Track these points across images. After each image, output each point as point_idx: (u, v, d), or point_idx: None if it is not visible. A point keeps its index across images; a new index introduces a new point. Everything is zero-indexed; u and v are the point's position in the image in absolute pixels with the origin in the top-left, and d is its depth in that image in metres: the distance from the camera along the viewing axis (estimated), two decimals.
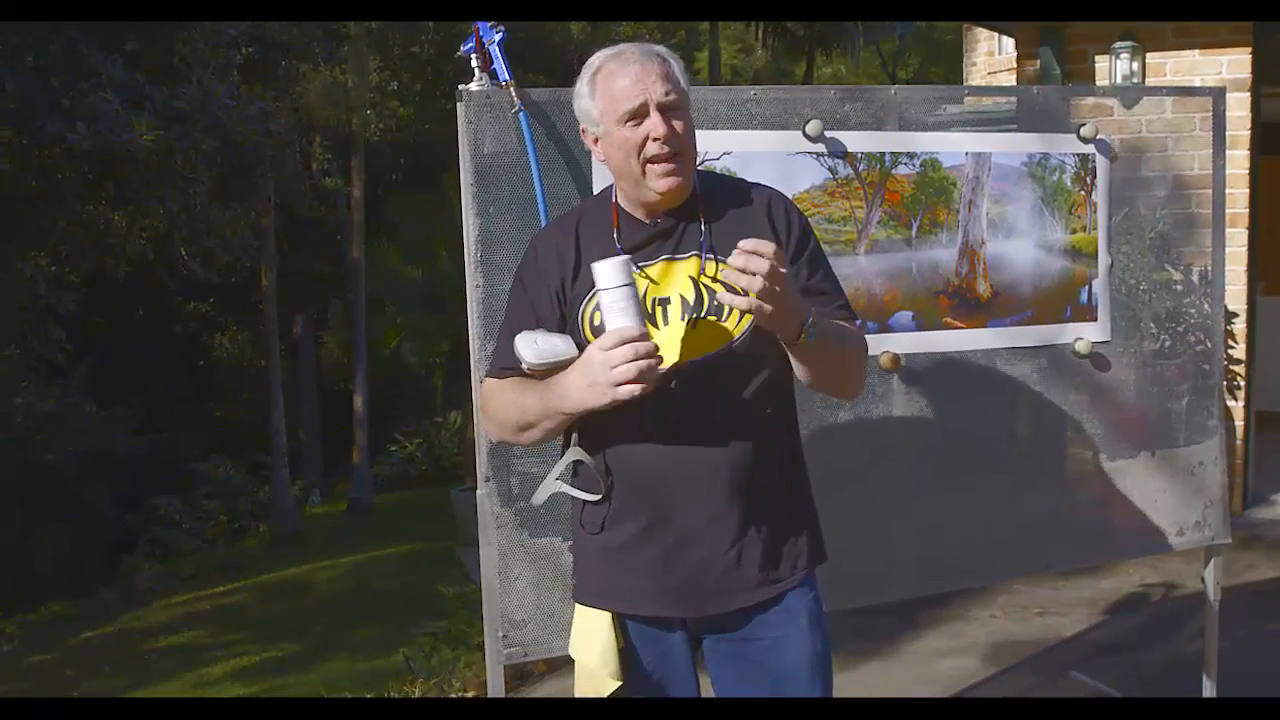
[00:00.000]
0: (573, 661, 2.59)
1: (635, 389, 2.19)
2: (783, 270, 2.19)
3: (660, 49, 2.44)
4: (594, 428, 2.44)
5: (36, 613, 14.32)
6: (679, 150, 2.37)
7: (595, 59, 2.45)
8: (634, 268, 2.24)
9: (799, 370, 2.43)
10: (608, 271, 2.20)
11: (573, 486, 2.52)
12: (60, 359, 12.30)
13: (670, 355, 2.36)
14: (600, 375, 2.21)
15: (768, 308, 2.20)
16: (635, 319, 2.20)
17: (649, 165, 2.37)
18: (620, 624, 2.52)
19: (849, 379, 2.59)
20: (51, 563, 15.88)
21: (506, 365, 2.48)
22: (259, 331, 20.67)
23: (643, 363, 2.18)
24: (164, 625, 12.91)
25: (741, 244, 2.19)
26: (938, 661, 5.13)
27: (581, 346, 2.36)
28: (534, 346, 2.36)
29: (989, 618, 5.60)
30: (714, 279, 2.40)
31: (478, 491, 3.17)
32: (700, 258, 2.42)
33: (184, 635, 12.25)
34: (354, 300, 19.08)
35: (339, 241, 20.84)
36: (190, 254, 11.98)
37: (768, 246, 2.18)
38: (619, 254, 2.40)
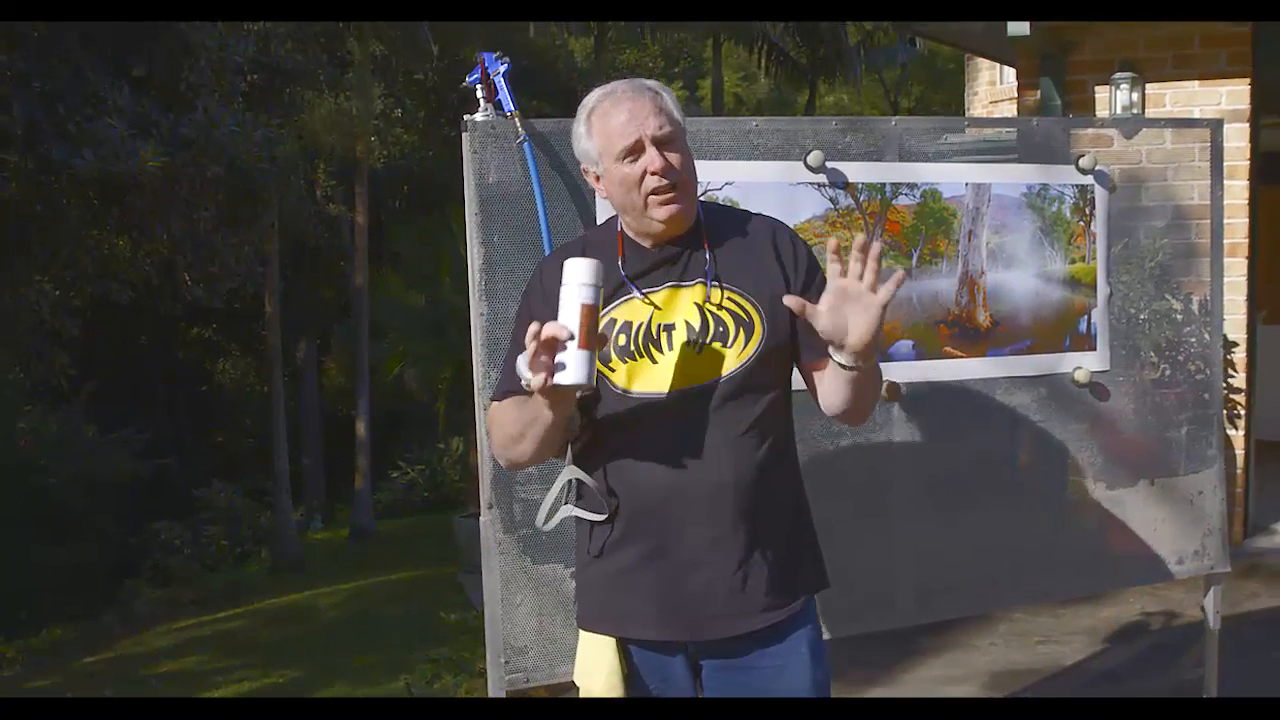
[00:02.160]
0: (575, 687, 2.60)
1: (535, 379, 2.23)
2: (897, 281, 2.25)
3: (652, 83, 2.49)
4: (596, 451, 2.47)
5: (37, 636, 14.31)
6: (677, 182, 2.41)
7: (589, 99, 2.49)
8: (598, 274, 2.27)
9: (835, 395, 2.44)
10: (571, 269, 2.26)
11: (579, 508, 2.54)
12: (63, 383, 12.33)
13: (672, 381, 2.40)
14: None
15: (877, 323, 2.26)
16: (570, 320, 2.24)
17: (650, 197, 2.41)
18: (624, 650, 2.53)
19: (870, 405, 2.61)
20: (52, 587, 15.86)
21: (509, 389, 2.51)
22: (262, 357, 20.72)
23: (547, 359, 2.21)
24: (165, 650, 12.90)
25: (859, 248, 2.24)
26: (938, 690, 5.13)
27: None
28: None
29: (989, 646, 5.60)
30: (719, 306, 2.44)
31: (481, 518, 3.19)
32: (705, 285, 2.46)
33: (184, 660, 12.23)
34: (357, 326, 19.11)
35: (342, 267, 20.90)
36: (194, 279, 12.03)
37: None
38: (623, 280, 2.46)
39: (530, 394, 2.38)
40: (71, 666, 12.67)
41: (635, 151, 2.40)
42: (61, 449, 17.33)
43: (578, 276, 2.24)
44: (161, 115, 9.42)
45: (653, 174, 2.39)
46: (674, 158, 2.41)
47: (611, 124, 2.42)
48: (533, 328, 2.21)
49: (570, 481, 2.54)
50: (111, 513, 17.75)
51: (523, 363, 2.38)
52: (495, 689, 3.20)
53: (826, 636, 2.63)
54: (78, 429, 17.97)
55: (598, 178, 2.50)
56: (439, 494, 19.62)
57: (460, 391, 15.04)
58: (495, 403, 2.57)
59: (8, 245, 9.93)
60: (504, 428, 2.49)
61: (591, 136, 2.45)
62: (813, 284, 2.51)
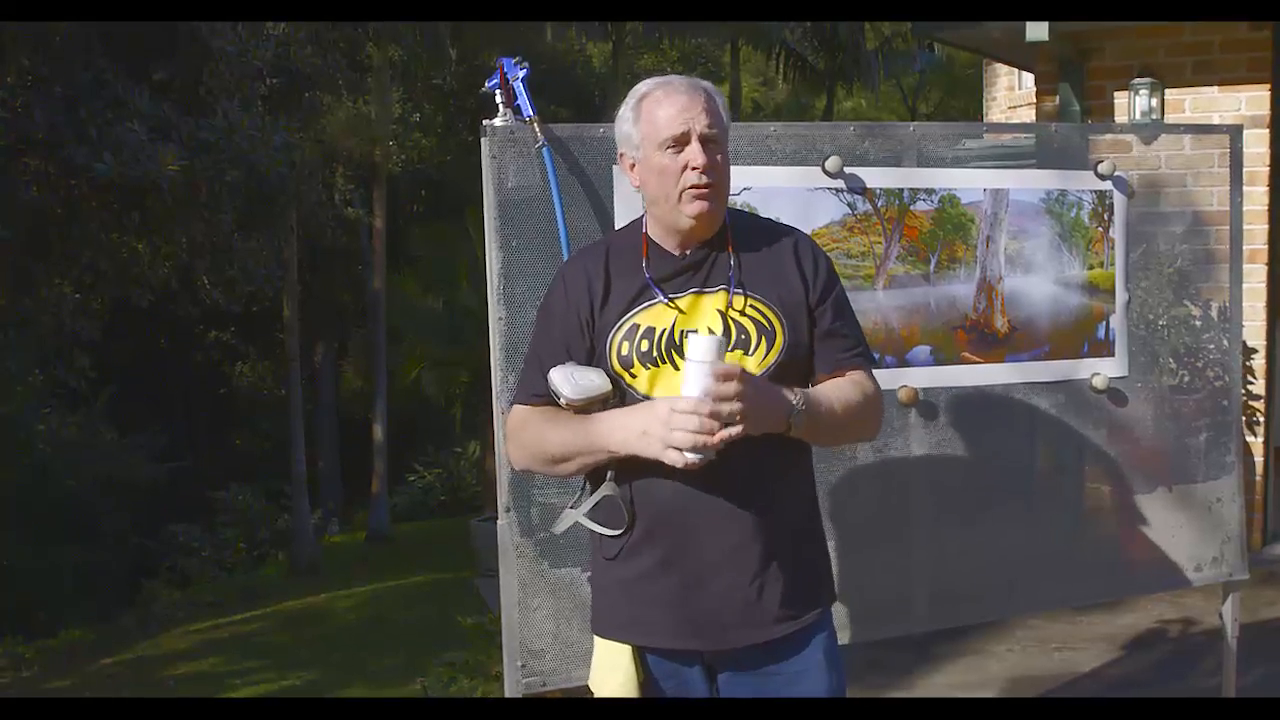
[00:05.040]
0: (590, 691, 2.61)
1: (683, 458, 2.26)
2: (750, 389, 2.28)
3: (706, 84, 2.50)
4: (620, 462, 2.46)
5: (55, 638, 14.36)
6: (715, 181, 2.42)
7: (643, 86, 2.50)
8: (724, 354, 2.30)
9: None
10: (703, 346, 2.27)
11: (594, 520, 2.54)
12: (83, 385, 12.38)
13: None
14: (658, 429, 2.28)
15: (752, 430, 2.30)
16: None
17: (686, 191, 2.41)
18: (640, 657, 2.53)
19: (859, 434, 2.69)
20: (71, 589, 15.94)
21: (537, 393, 2.51)
22: (279, 360, 20.76)
23: (701, 437, 2.24)
24: (182, 652, 12.95)
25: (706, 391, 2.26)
26: (954, 695, 5.12)
27: (611, 378, 2.41)
28: (571, 381, 2.41)
29: (1006, 652, 5.58)
30: (741, 312, 2.45)
31: (498, 522, 3.19)
32: (729, 292, 2.46)
33: (202, 662, 12.27)
34: (374, 330, 19.17)
35: (360, 271, 20.97)
36: (213, 283, 12.09)
37: (730, 375, 2.25)
38: (647, 283, 2.46)
39: (572, 411, 2.43)
40: (89, 668, 12.72)
41: (681, 143, 2.41)
42: (80, 451, 17.41)
43: (709, 355, 2.26)
44: (181, 119, 9.47)
45: (694, 169, 2.40)
46: (717, 158, 2.42)
47: (661, 113, 2.42)
48: (700, 406, 2.24)
49: (590, 490, 2.55)
50: (129, 515, 17.82)
51: (561, 381, 2.41)
52: (512, 692, 3.20)
53: (843, 641, 2.63)
54: (96, 431, 18.05)
55: (633, 165, 2.50)
56: (455, 498, 19.69)
57: (477, 395, 15.09)
58: (521, 407, 2.57)
59: (29, 248, 9.98)
60: (542, 445, 2.51)
61: (638, 122, 2.46)
62: (829, 299, 2.52)
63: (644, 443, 2.31)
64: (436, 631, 10.10)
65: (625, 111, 2.50)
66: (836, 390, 2.49)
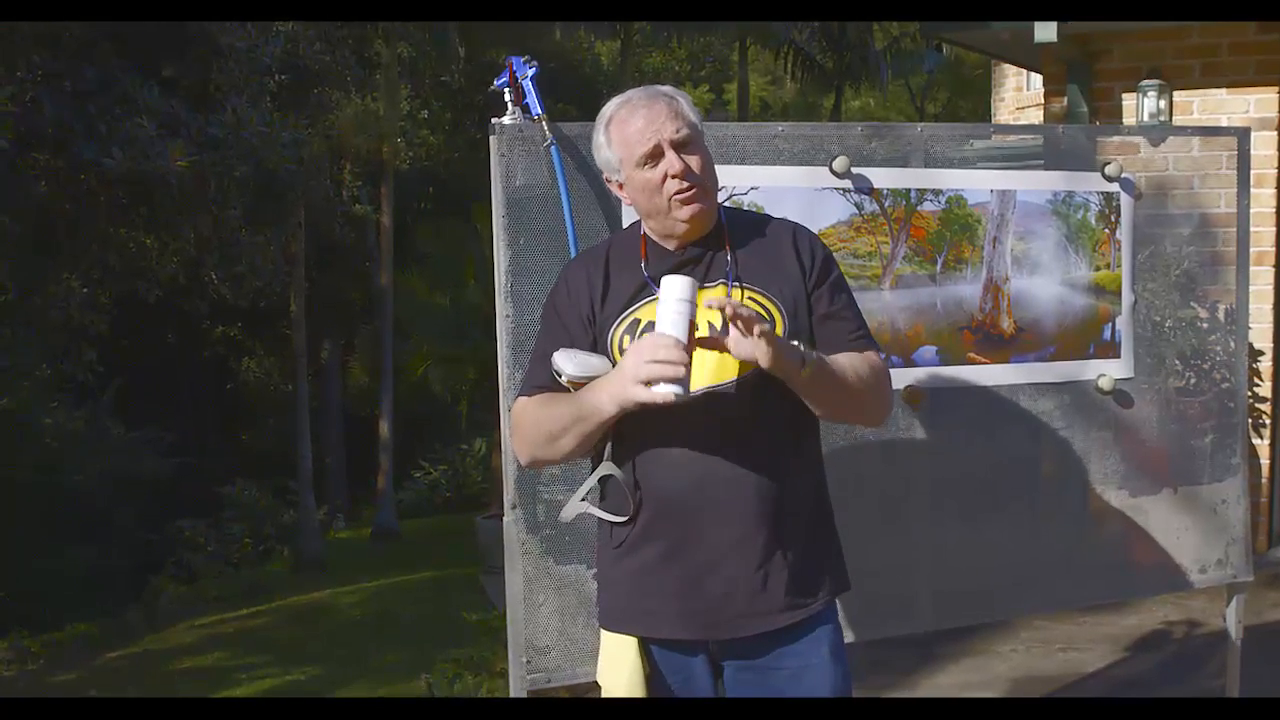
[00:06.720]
0: (597, 687, 2.62)
1: (652, 393, 2.26)
2: (766, 323, 2.30)
3: (666, 88, 2.54)
4: (624, 448, 2.49)
5: (61, 632, 14.37)
6: (697, 183, 2.46)
7: (606, 109, 2.55)
8: (696, 294, 2.32)
9: (811, 406, 2.49)
10: (671, 285, 2.30)
11: (600, 508, 2.56)
12: (91, 380, 12.40)
13: (697, 380, 2.40)
14: (628, 366, 2.30)
15: (772, 363, 2.31)
16: (680, 332, 2.28)
17: (672, 199, 2.45)
18: (645, 649, 2.55)
19: (863, 407, 2.62)
20: (77, 583, 15.94)
21: (537, 384, 2.55)
22: (286, 356, 20.78)
23: (666, 367, 2.24)
24: (188, 647, 12.96)
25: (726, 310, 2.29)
26: (958, 696, 5.13)
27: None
28: (574, 359, 2.45)
29: (1010, 652, 5.59)
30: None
31: (504, 518, 3.20)
32: (727, 286, 2.49)
33: (207, 657, 12.28)
34: (381, 327, 19.17)
35: (367, 268, 20.96)
36: (220, 278, 12.09)
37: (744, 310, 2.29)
38: (646, 281, 2.50)
39: (568, 389, 2.44)
40: (95, 662, 12.74)
41: (655, 157, 2.45)
42: (87, 446, 17.41)
43: (682, 293, 2.29)
44: (190, 115, 9.47)
45: (673, 177, 2.44)
46: (693, 160, 2.46)
47: (629, 131, 2.47)
48: (667, 339, 2.26)
49: (596, 482, 2.56)
50: (136, 510, 17.82)
51: (563, 360, 2.43)
52: (516, 689, 3.21)
53: (847, 640, 2.64)
54: (103, 426, 18.05)
55: (620, 185, 2.55)
56: (461, 494, 19.69)
57: (483, 392, 15.11)
58: (523, 399, 2.60)
59: (38, 243, 10.01)
60: (540, 425, 2.52)
61: (611, 146, 2.51)
62: (825, 283, 2.55)
63: (618, 385, 2.33)
64: (441, 628, 10.12)
65: (599, 138, 2.55)
66: (848, 358, 2.50)
